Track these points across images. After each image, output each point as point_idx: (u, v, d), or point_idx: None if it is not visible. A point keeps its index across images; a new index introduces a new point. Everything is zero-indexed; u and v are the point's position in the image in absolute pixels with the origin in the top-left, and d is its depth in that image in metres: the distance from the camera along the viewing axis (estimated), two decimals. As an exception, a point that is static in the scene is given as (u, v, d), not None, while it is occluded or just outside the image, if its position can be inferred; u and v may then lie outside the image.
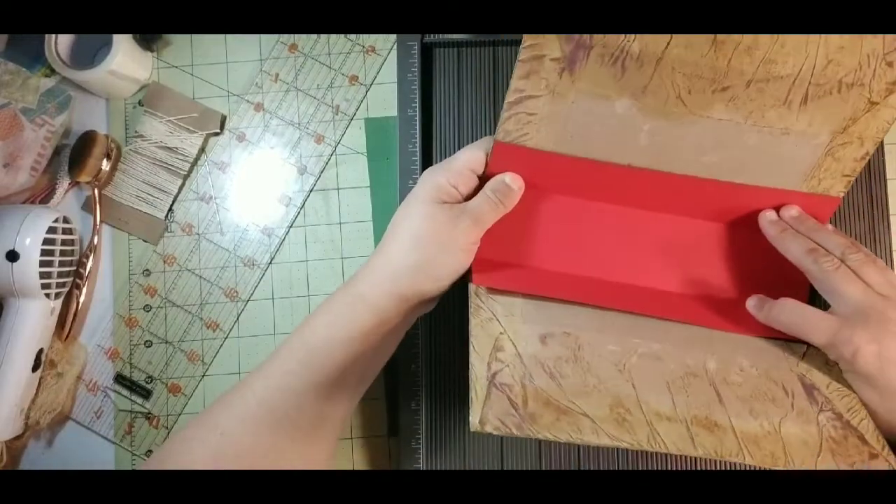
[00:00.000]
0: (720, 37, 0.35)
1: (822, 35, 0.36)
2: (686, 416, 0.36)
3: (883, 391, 0.35)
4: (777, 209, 0.41)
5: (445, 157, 0.47)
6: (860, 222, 0.46)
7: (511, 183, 0.38)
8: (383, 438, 0.47)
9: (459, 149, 0.48)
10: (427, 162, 0.47)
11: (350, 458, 0.47)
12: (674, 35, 0.35)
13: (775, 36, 0.36)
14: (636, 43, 0.35)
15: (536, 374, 0.36)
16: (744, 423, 0.36)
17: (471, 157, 0.39)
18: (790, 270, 0.40)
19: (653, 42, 0.36)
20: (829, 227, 0.42)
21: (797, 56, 0.36)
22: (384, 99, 0.50)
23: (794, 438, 0.36)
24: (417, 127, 0.47)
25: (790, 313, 0.38)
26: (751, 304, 0.41)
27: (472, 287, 0.40)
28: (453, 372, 0.44)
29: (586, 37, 0.35)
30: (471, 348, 0.37)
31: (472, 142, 0.43)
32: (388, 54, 0.50)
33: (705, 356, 0.39)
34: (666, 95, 0.37)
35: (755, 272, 0.42)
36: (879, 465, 0.34)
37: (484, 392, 0.34)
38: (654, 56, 0.36)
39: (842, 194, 0.41)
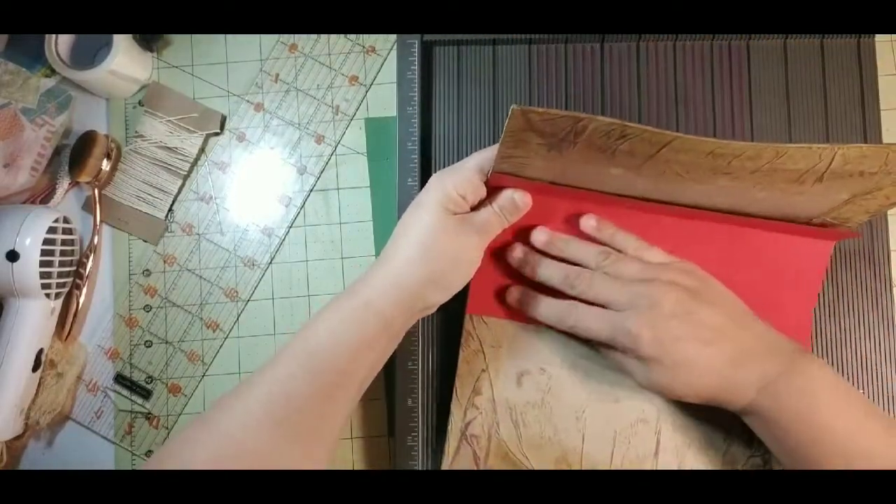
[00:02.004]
0: (717, 150, 0.33)
1: (838, 148, 0.32)
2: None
3: (670, 368, 0.36)
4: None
5: (445, 156, 0.47)
6: (860, 248, 0.45)
7: (519, 201, 0.39)
8: (383, 438, 0.47)
9: (458, 147, 0.48)
10: (426, 161, 0.47)
11: (350, 457, 0.47)
12: (665, 146, 0.33)
13: (781, 151, 0.32)
14: (626, 144, 0.33)
15: (503, 422, 0.43)
16: None
17: (480, 164, 0.38)
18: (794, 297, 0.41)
19: (642, 147, 0.33)
20: (591, 221, 0.41)
21: (808, 160, 0.33)
22: (384, 99, 0.50)
23: None
24: (417, 125, 0.46)
25: (566, 315, 0.39)
26: (513, 296, 0.42)
27: (468, 311, 0.43)
28: (451, 370, 0.44)
29: (571, 134, 0.33)
30: (454, 394, 0.43)
31: (471, 139, 0.43)
32: (388, 54, 0.50)
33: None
34: (662, 172, 0.36)
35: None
36: None
37: (456, 444, 0.42)
38: (646, 154, 0.34)
39: (860, 225, 0.39)
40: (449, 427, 0.43)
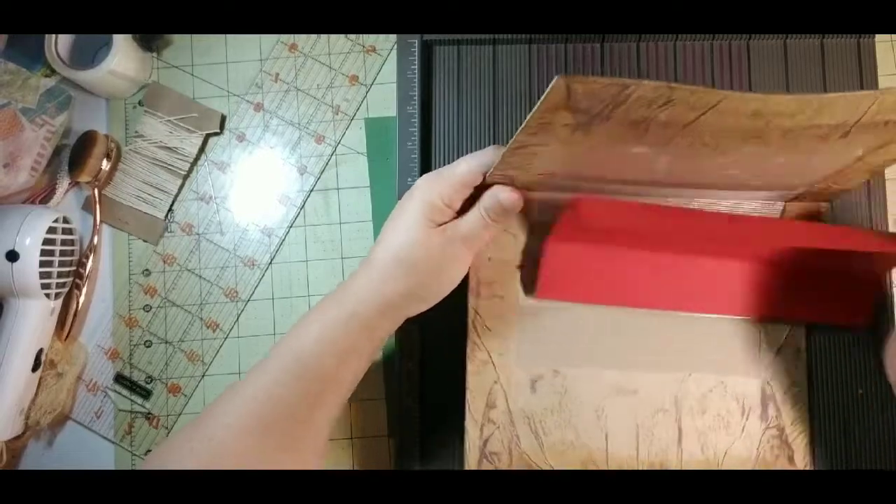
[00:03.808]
0: (762, 108, 0.30)
1: (880, 93, 0.30)
2: (644, 466, 0.42)
3: None
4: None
5: (444, 156, 0.47)
6: (860, 223, 0.45)
7: (504, 201, 0.36)
8: (383, 438, 0.47)
9: (458, 146, 0.47)
10: (426, 160, 0.47)
11: (350, 457, 0.47)
12: (711, 108, 0.30)
13: (824, 101, 0.31)
14: (664, 113, 0.30)
15: (523, 433, 0.42)
16: (692, 461, 0.42)
17: (470, 170, 0.36)
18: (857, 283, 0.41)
19: (684, 113, 0.30)
20: None
21: (845, 112, 0.31)
22: (384, 99, 0.50)
23: (733, 462, 0.42)
24: (417, 125, 0.46)
25: None
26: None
27: (470, 319, 0.43)
28: (451, 370, 0.44)
29: (610, 106, 0.29)
30: (467, 411, 0.42)
31: (471, 139, 0.42)
32: (389, 54, 0.50)
33: (685, 377, 0.43)
34: (689, 144, 0.34)
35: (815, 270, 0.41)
36: None
37: (476, 464, 0.42)
38: (683, 122, 0.31)
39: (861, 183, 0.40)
40: (466, 446, 0.42)
